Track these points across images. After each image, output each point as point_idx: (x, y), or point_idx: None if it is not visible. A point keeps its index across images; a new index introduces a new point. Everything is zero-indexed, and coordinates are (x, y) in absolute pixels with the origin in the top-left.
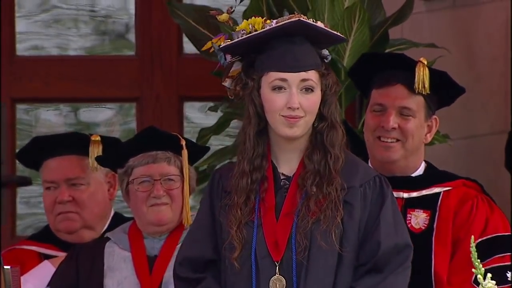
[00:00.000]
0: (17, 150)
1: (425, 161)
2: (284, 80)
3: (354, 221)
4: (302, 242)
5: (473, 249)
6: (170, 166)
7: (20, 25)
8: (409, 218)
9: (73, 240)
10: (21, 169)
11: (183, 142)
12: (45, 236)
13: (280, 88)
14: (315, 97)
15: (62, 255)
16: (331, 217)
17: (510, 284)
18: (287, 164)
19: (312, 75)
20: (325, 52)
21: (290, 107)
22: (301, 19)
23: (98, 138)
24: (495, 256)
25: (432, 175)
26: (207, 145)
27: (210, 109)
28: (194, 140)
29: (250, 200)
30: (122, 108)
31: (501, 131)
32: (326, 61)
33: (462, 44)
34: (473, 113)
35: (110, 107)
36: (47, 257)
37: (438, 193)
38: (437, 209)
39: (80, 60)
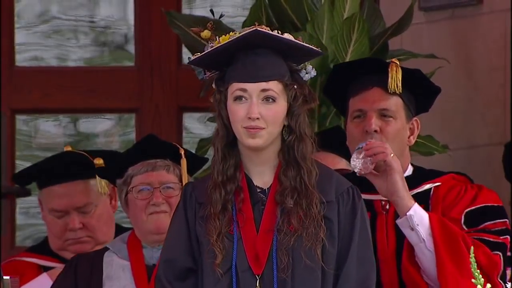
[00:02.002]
0: (16, 161)
1: (411, 164)
2: (244, 90)
3: (334, 237)
4: (283, 259)
5: (472, 259)
6: (169, 174)
7: (20, 36)
8: None
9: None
10: None
11: (182, 151)
12: (44, 248)
13: (241, 98)
14: (277, 107)
15: (61, 266)
16: (314, 234)
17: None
18: (260, 176)
19: (273, 86)
20: (297, 66)
21: (249, 117)
22: (258, 29)
23: (102, 161)
24: (485, 223)
25: (421, 174)
26: (206, 155)
27: (209, 119)
28: (193, 151)
29: (227, 210)
30: (122, 119)
31: (500, 142)
32: (298, 74)
33: (461, 55)
34: (472, 124)
35: (110, 118)
36: (47, 269)
37: (429, 189)
38: (429, 203)
39: (80, 71)
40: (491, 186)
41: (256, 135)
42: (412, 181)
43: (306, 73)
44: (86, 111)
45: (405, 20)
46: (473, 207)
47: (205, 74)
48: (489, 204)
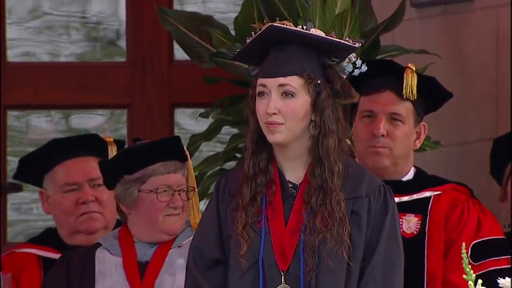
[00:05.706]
0: (7, 157)
1: (414, 166)
2: (264, 86)
3: (362, 233)
4: (309, 261)
5: (464, 255)
6: (183, 177)
7: (11, 32)
8: (401, 222)
9: (85, 243)
10: (11, 175)
11: (187, 153)
12: (45, 238)
13: (263, 93)
14: (296, 103)
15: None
16: (338, 236)
17: None
18: (292, 172)
19: (291, 81)
20: (331, 61)
21: (267, 113)
22: (274, 24)
23: (112, 139)
24: (490, 259)
25: (422, 180)
26: (198, 151)
27: (201, 115)
28: (185, 146)
29: (256, 202)
30: (113, 115)
31: (492, 138)
32: (332, 68)
33: (453, 51)
34: (464, 120)
35: (101, 114)
36: (46, 260)
37: (429, 197)
38: (428, 213)
39: (71, 66)
40: (483, 182)
41: (275, 131)
42: (412, 186)
43: (356, 68)
44: (77, 107)
45: (397, 16)
46: (478, 240)
47: (254, 70)
48: (494, 237)
